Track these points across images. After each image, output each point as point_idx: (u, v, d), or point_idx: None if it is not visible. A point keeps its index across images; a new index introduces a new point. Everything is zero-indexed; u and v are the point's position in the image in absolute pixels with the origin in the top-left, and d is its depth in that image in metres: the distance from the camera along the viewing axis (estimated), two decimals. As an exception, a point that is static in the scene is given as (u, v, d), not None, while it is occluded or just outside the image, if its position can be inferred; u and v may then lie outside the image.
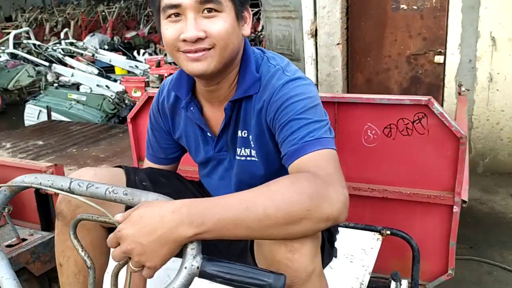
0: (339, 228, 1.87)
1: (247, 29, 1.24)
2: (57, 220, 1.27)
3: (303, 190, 0.92)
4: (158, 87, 6.16)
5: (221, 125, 1.32)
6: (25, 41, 6.62)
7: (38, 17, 13.37)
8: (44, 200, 2.31)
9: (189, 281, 0.88)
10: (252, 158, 1.32)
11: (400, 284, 1.66)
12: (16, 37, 6.13)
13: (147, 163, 1.56)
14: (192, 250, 0.88)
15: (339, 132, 1.93)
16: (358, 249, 1.71)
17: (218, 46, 1.15)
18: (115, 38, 12.54)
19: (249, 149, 1.31)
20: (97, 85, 5.55)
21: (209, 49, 1.15)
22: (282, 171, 1.19)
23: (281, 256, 0.98)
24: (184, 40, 1.13)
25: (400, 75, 4.45)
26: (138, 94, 5.68)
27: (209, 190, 1.54)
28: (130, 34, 13.01)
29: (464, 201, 1.82)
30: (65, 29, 8.28)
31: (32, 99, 5.41)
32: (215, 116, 1.34)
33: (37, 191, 2.27)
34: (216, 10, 1.14)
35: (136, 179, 1.37)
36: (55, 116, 5.19)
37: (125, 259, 0.90)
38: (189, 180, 1.56)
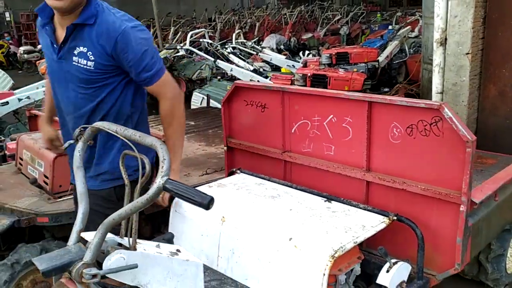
0: (355, 208, 2.19)
1: None
2: None
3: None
4: (302, 85, 6.73)
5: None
6: (201, 40, 7.90)
7: (231, 19, 15.18)
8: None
9: (158, 191, 1.42)
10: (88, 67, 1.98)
11: (387, 260, 1.91)
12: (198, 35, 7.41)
13: None
14: (161, 173, 1.42)
15: (371, 127, 2.22)
16: (359, 225, 2.01)
17: None
18: (292, 39, 13.45)
19: (85, 60, 1.97)
20: (250, 80, 6.38)
21: None
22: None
23: None
24: None
25: (537, 89, 4.18)
26: (284, 90, 6.32)
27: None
28: (306, 36, 13.80)
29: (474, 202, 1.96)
30: (237, 31, 9.44)
31: (199, 88, 6.51)
32: (63, 34, 2.00)
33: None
34: None
35: None
36: (213, 103, 6.18)
37: None
38: None
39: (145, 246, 1.75)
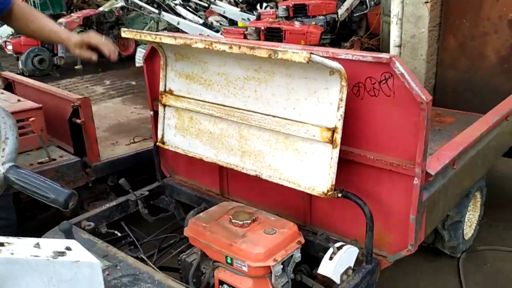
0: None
1: None
2: None
3: None
4: (256, 40, 6.23)
5: None
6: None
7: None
8: (78, 130, 2.62)
9: (-1, 184, 1.03)
10: None
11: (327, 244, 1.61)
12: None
13: None
14: (2, 158, 1.02)
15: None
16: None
17: None
18: (252, -9, 12.68)
19: None
20: (200, 34, 5.88)
21: None
22: None
23: None
24: None
25: (499, 41, 3.91)
26: (236, 46, 5.87)
27: None
28: (267, -12, 13.10)
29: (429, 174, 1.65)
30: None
31: (142, 44, 5.97)
32: None
33: (70, 120, 2.59)
34: None
35: None
36: (159, 61, 5.66)
37: None
38: None
39: (16, 248, 1.36)
